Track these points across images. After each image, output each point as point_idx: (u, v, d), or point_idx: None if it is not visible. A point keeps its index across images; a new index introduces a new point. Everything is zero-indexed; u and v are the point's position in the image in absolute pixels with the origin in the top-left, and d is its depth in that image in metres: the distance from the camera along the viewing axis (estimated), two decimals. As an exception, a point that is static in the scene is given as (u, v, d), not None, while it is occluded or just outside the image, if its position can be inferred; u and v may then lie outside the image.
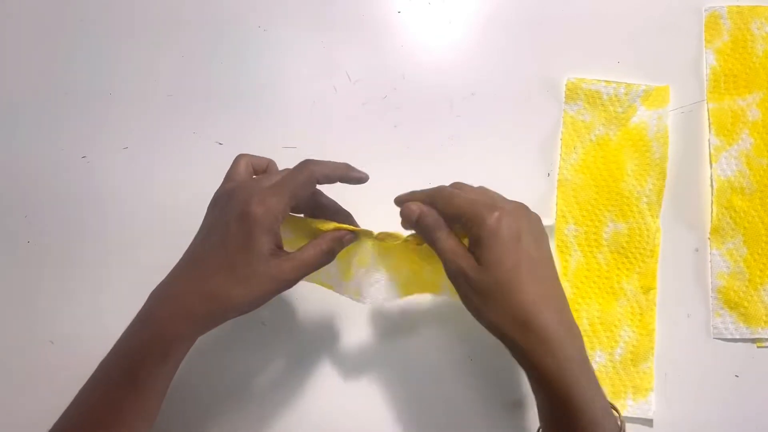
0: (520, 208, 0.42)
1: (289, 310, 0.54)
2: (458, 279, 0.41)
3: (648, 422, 0.52)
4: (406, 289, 0.48)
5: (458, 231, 0.43)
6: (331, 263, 0.44)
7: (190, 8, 0.60)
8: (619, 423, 0.41)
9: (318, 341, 0.54)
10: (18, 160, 0.57)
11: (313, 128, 0.57)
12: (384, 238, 0.46)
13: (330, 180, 0.43)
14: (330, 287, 0.48)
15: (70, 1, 0.60)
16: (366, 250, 0.47)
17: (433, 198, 0.43)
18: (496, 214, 0.40)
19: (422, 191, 0.44)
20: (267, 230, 0.40)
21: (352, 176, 0.44)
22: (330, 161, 0.44)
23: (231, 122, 0.57)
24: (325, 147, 0.57)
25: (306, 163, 0.43)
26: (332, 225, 0.44)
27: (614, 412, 0.42)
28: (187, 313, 0.40)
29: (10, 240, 0.56)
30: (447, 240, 0.42)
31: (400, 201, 0.45)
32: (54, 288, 0.55)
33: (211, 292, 0.40)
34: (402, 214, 0.44)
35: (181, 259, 0.43)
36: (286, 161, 0.56)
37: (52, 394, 0.53)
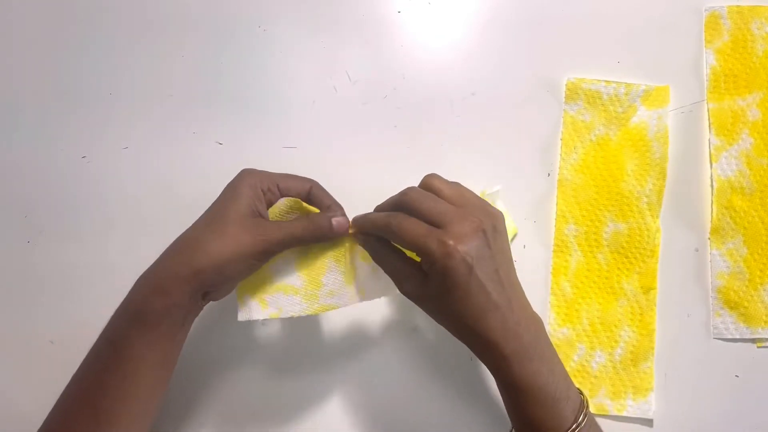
0: (477, 228, 0.40)
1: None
2: (410, 299, 0.42)
3: (648, 422, 0.52)
4: None
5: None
6: (336, 277, 0.45)
7: (191, 8, 0.60)
8: (582, 399, 0.43)
9: (317, 341, 0.54)
10: (18, 160, 0.57)
11: (313, 128, 0.57)
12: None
13: (318, 199, 0.46)
14: (335, 306, 0.46)
15: (70, 1, 0.60)
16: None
17: (383, 231, 0.42)
18: (449, 243, 0.39)
19: (372, 220, 0.43)
20: (251, 185, 0.43)
21: (337, 211, 0.46)
22: (329, 194, 0.47)
23: (231, 122, 0.57)
24: (325, 147, 0.57)
25: (310, 180, 0.46)
26: (310, 208, 0.45)
27: (579, 394, 0.43)
28: (167, 276, 0.41)
29: (10, 240, 0.56)
30: (394, 263, 0.43)
31: (356, 223, 0.45)
32: (54, 288, 0.55)
33: (188, 249, 0.41)
34: (354, 237, 0.45)
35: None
36: (286, 161, 0.56)
37: (53, 394, 0.53)
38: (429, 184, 0.43)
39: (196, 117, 0.58)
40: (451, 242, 0.39)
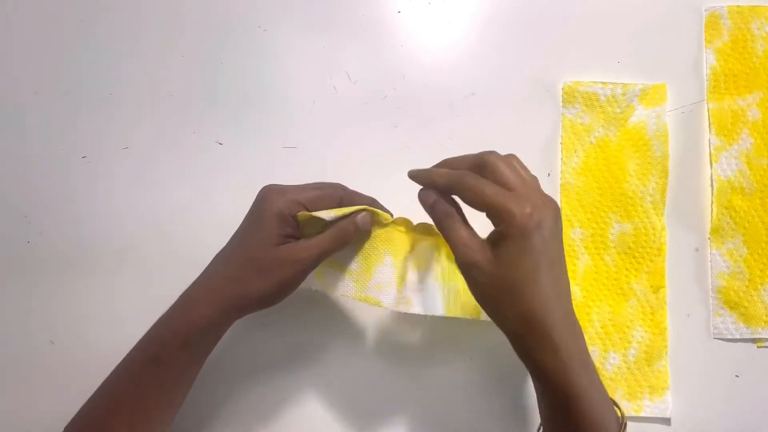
0: (549, 204, 0.40)
1: (290, 310, 0.54)
2: (471, 271, 0.40)
3: (666, 421, 0.52)
4: (451, 307, 0.47)
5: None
6: (387, 273, 0.46)
7: (191, 8, 0.60)
8: (620, 420, 0.41)
9: (318, 341, 0.54)
10: (18, 160, 0.57)
11: (313, 128, 0.57)
12: (400, 223, 0.47)
13: (350, 203, 0.45)
14: (380, 304, 0.46)
15: (70, 1, 0.60)
16: (402, 246, 0.47)
17: (458, 187, 0.40)
18: (527, 211, 0.38)
19: (443, 175, 0.42)
20: (279, 215, 0.42)
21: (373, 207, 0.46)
22: (359, 193, 0.47)
23: (231, 122, 0.57)
24: (325, 147, 0.57)
25: (336, 185, 0.46)
26: (349, 209, 0.44)
27: (617, 410, 0.42)
28: (207, 301, 0.42)
29: (10, 240, 0.56)
30: (460, 230, 0.40)
31: (414, 176, 0.43)
32: (54, 288, 0.55)
33: (229, 279, 0.43)
34: (419, 198, 0.43)
35: (214, 257, 0.45)
36: (286, 161, 0.57)
37: (52, 394, 0.53)
38: (489, 165, 0.41)
39: (196, 117, 0.58)
40: (529, 208, 0.38)
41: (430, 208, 0.42)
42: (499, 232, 0.39)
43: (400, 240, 0.47)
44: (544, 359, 0.39)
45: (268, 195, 0.43)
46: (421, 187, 0.43)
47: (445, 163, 0.43)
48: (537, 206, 0.38)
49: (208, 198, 0.56)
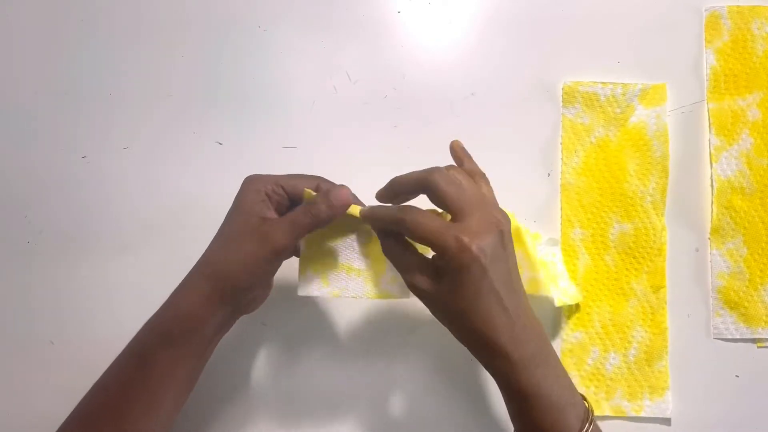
0: (492, 222, 0.40)
1: (289, 310, 0.54)
2: (418, 295, 0.42)
3: (666, 421, 0.52)
4: None
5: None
6: (362, 265, 0.45)
7: (191, 8, 0.60)
8: (586, 415, 0.42)
9: (318, 341, 0.54)
10: (18, 160, 0.57)
11: (313, 128, 0.57)
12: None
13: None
14: (396, 296, 0.46)
15: (70, 1, 0.60)
16: None
17: (397, 227, 0.41)
18: (465, 242, 0.38)
19: (383, 217, 0.42)
20: (254, 191, 0.42)
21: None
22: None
23: (231, 122, 0.57)
24: (325, 147, 0.57)
25: (318, 176, 0.45)
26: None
27: (583, 401, 0.43)
28: (192, 297, 0.42)
29: (10, 240, 0.56)
30: (406, 256, 0.42)
31: (365, 217, 0.44)
32: (54, 288, 0.55)
33: (208, 265, 0.42)
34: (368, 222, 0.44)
35: None
36: (286, 161, 0.56)
37: (52, 394, 0.53)
38: (452, 174, 0.41)
39: (196, 117, 0.58)
40: (467, 239, 0.38)
41: (378, 235, 0.44)
42: (440, 266, 0.40)
43: None
44: (496, 365, 0.41)
45: (247, 180, 0.44)
46: None
47: (393, 183, 0.44)
48: (476, 233, 0.38)
49: (208, 198, 0.56)
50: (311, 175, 0.46)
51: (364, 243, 0.46)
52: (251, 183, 0.44)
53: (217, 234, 0.44)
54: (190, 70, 0.59)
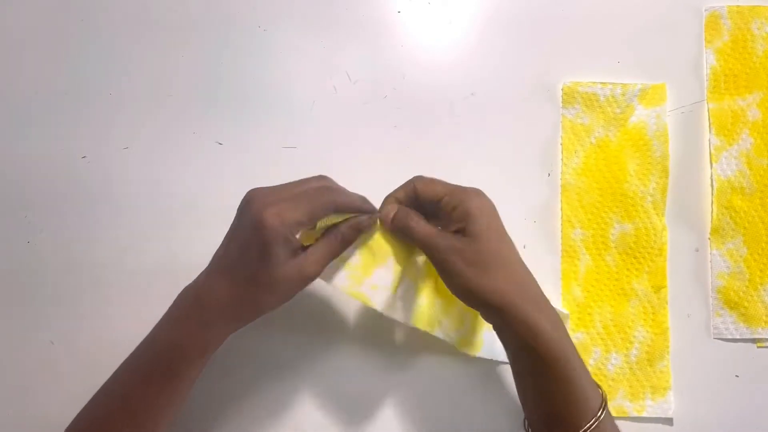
0: (489, 201, 0.44)
1: (290, 310, 0.54)
2: (450, 256, 0.42)
3: (668, 421, 0.52)
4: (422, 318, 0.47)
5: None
6: (386, 276, 0.46)
7: (190, 9, 0.60)
8: (602, 395, 0.42)
9: (319, 340, 0.54)
10: (18, 160, 0.57)
11: (313, 128, 0.57)
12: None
13: (344, 210, 0.45)
14: (372, 304, 0.46)
15: (70, 1, 0.60)
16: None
17: (412, 184, 0.45)
18: (476, 190, 0.43)
19: (396, 190, 0.46)
20: (282, 241, 0.41)
21: (365, 209, 0.45)
22: (347, 192, 0.45)
23: (231, 122, 0.57)
24: (325, 147, 0.57)
25: (328, 191, 0.44)
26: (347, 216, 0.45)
27: (596, 385, 0.43)
28: (221, 318, 0.43)
29: (10, 240, 0.56)
30: (425, 226, 0.44)
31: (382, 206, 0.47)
32: (54, 288, 0.55)
33: (240, 299, 0.42)
34: (382, 219, 0.46)
35: (211, 263, 0.45)
36: (286, 161, 0.57)
37: (52, 394, 0.53)
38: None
39: (196, 117, 0.58)
40: (475, 189, 0.43)
41: (391, 224, 0.45)
42: (461, 214, 0.42)
43: (406, 246, 0.47)
44: (538, 323, 0.40)
45: (265, 219, 0.40)
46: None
47: (388, 200, 0.46)
48: (481, 190, 0.44)
49: (208, 198, 0.56)
50: (322, 193, 0.43)
51: (364, 242, 0.46)
52: (275, 229, 0.40)
53: (247, 273, 0.42)
54: (191, 70, 0.59)
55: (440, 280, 0.46)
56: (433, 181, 0.45)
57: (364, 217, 0.45)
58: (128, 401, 0.43)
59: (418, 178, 0.45)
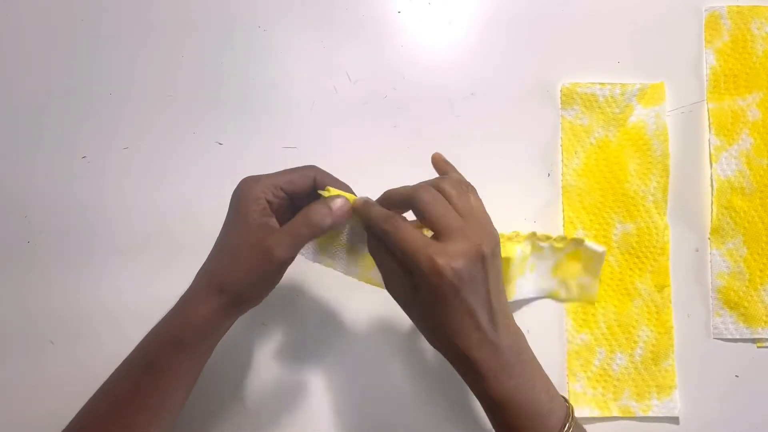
0: (476, 251, 0.40)
1: (289, 310, 0.54)
2: (394, 297, 0.42)
3: (674, 420, 0.52)
4: None
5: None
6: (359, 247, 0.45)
7: (191, 9, 0.60)
8: (567, 411, 0.42)
9: (318, 341, 0.54)
10: (18, 160, 0.57)
11: (313, 128, 0.57)
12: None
13: (325, 185, 0.44)
14: (334, 268, 0.47)
15: (70, 1, 0.60)
16: None
17: (382, 233, 0.41)
18: (438, 267, 0.38)
19: (376, 218, 0.42)
20: (253, 199, 0.42)
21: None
22: (334, 177, 0.45)
23: (231, 122, 0.57)
24: (325, 147, 0.57)
25: (311, 167, 0.45)
26: (333, 192, 0.44)
27: (565, 403, 0.43)
28: (201, 304, 0.42)
29: (10, 240, 0.56)
30: (386, 261, 0.42)
31: (356, 209, 0.45)
32: (54, 288, 0.55)
33: (213, 276, 0.43)
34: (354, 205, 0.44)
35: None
36: (286, 161, 0.56)
37: (52, 394, 0.53)
38: (441, 188, 0.41)
39: (196, 117, 0.58)
40: (441, 261, 0.38)
41: (366, 232, 0.44)
42: (415, 282, 0.40)
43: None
44: (468, 377, 0.42)
45: (243, 183, 0.44)
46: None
47: (385, 197, 0.44)
48: (453, 255, 0.39)
49: (208, 198, 0.56)
50: (306, 168, 0.45)
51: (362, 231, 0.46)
52: (250, 190, 0.43)
53: (220, 244, 0.44)
54: (190, 70, 0.59)
55: None
56: (396, 240, 0.40)
57: (339, 199, 0.43)
58: (118, 401, 0.43)
59: (387, 230, 0.41)
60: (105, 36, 0.59)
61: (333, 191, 0.44)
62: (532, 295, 0.54)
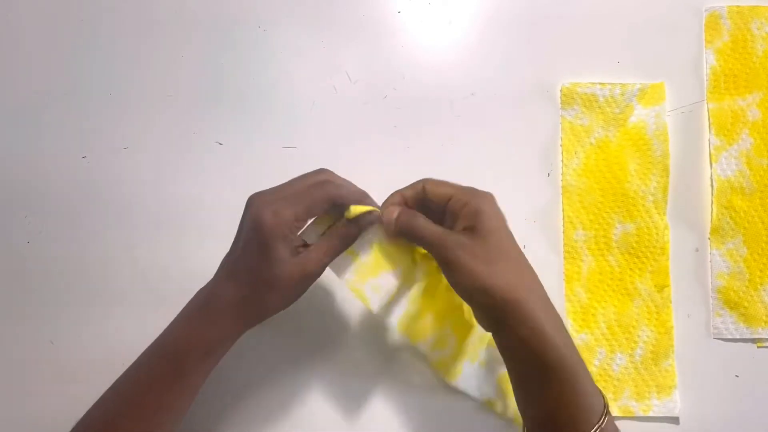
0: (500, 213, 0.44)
1: (290, 311, 0.54)
2: (458, 251, 0.41)
3: (675, 420, 0.52)
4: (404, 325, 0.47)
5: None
6: (390, 280, 0.46)
7: (191, 9, 0.60)
8: (604, 402, 0.41)
9: (319, 341, 0.54)
10: (18, 160, 0.57)
11: (313, 128, 0.57)
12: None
13: (344, 203, 0.45)
14: (369, 307, 0.47)
15: (70, 1, 0.60)
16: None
17: (421, 185, 0.45)
18: (487, 192, 0.43)
19: (404, 189, 0.46)
20: (281, 239, 0.42)
21: (365, 203, 0.46)
22: (349, 184, 0.46)
23: (231, 122, 0.57)
24: (326, 147, 0.57)
25: (325, 184, 0.44)
26: (357, 210, 0.44)
27: (600, 391, 0.42)
28: (228, 318, 0.43)
29: (10, 240, 0.56)
30: (431, 225, 0.43)
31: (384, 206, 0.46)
32: (54, 288, 0.55)
33: (245, 299, 0.43)
34: (384, 221, 0.45)
35: (219, 266, 0.45)
36: (286, 161, 0.57)
37: (52, 394, 0.53)
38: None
39: (196, 117, 0.58)
40: (481, 191, 0.43)
41: (395, 224, 0.44)
42: (471, 213, 0.42)
43: (410, 255, 0.47)
44: (540, 322, 0.40)
45: (262, 218, 0.42)
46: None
47: (390, 201, 0.46)
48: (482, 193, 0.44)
49: (208, 198, 0.56)
50: (319, 182, 0.44)
51: (379, 241, 0.47)
52: (273, 228, 0.41)
53: (251, 274, 0.43)
54: (191, 70, 0.59)
55: (437, 294, 0.47)
56: (442, 182, 0.45)
57: (371, 215, 0.45)
58: (135, 401, 0.43)
59: (428, 180, 0.45)
60: (105, 36, 0.59)
61: (356, 209, 0.44)
62: (472, 393, 0.51)
